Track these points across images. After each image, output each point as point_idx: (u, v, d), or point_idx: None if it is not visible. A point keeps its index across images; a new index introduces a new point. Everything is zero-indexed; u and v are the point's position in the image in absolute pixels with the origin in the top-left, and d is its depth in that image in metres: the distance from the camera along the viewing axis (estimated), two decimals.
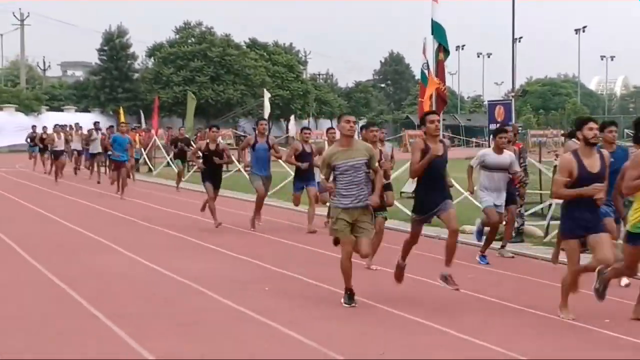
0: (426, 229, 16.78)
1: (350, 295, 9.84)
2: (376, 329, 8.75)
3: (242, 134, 55.07)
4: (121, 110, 47.83)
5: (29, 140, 39.90)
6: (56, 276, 11.44)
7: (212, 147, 17.35)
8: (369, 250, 10.30)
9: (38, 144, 37.01)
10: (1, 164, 44.62)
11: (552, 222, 15.69)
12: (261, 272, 12.25)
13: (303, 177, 17.04)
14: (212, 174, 17.42)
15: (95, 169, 32.16)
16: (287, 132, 62.29)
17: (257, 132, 17.48)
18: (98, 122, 36.25)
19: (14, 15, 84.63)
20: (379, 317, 9.33)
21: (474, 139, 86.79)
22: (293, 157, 16.89)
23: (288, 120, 69.74)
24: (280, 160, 19.13)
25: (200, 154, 17.85)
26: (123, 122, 31.98)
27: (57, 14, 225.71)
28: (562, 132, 53.30)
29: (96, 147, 32.12)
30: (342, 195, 9.84)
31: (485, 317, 9.44)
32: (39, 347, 7.79)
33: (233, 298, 10.09)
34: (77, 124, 37.29)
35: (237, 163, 30.12)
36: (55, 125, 36.02)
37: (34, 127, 41.69)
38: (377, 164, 10.17)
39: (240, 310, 9.49)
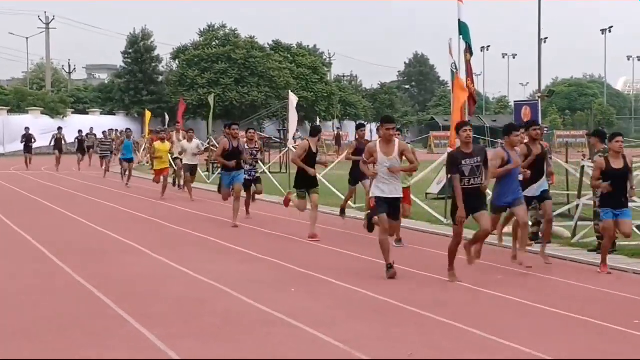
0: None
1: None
2: (404, 330, 8.71)
3: (267, 136, 54.95)
4: (147, 113, 47.88)
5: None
6: (83, 278, 11.49)
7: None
8: None
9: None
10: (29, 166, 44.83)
11: (579, 223, 15.59)
12: (287, 274, 12.24)
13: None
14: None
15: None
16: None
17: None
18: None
19: (40, 19, 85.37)
20: (406, 318, 9.30)
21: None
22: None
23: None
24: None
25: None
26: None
27: (83, 17, 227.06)
28: (587, 132, 53.06)
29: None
30: None
31: (513, 318, 9.39)
32: (69, 349, 7.81)
33: (260, 300, 10.08)
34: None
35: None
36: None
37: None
38: None
39: (267, 312, 9.48)
